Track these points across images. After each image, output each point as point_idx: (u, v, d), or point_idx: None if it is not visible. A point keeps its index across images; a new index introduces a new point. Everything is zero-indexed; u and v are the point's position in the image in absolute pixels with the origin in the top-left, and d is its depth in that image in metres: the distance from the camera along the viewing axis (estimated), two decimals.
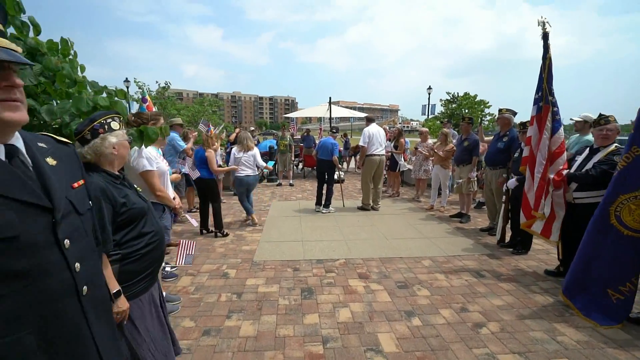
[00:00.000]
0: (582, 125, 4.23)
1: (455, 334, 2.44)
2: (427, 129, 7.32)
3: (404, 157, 7.60)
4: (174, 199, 2.68)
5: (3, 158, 0.74)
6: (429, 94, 22.28)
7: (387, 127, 10.57)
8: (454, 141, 6.18)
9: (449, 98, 21.96)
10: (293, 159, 9.84)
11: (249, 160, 4.95)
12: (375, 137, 5.97)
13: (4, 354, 0.67)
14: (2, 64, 0.72)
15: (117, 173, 1.54)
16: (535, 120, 3.32)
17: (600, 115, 3.10)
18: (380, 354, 2.22)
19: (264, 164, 5.31)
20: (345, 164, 11.62)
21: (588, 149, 3.27)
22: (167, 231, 2.70)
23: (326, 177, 6.07)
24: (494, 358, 2.18)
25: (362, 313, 2.72)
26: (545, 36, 3.07)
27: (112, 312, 1.10)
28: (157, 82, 13.76)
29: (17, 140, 0.79)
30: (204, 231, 4.82)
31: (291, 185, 8.88)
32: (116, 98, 2.02)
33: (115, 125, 1.48)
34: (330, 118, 11.58)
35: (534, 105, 3.30)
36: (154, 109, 3.05)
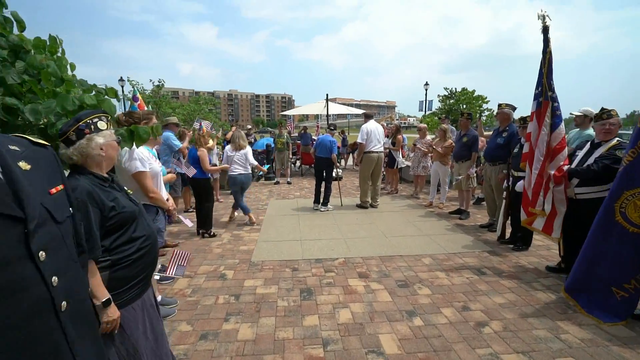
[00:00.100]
0: (582, 120, 4.18)
1: (458, 333, 2.40)
2: (425, 125, 7.26)
3: (402, 154, 7.54)
4: (167, 200, 2.61)
5: None
6: (426, 90, 22.25)
7: (385, 124, 10.51)
8: (453, 137, 6.13)
9: (446, 94, 21.93)
10: (291, 156, 9.77)
11: (241, 159, 4.98)
12: (374, 133, 5.91)
13: None
14: None
15: (105, 175, 1.47)
16: (535, 116, 3.27)
17: (603, 109, 3.05)
18: (382, 356, 2.17)
19: (256, 163, 5.25)
20: (343, 161, 11.56)
21: (589, 143, 3.23)
22: (161, 233, 2.63)
23: (324, 175, 6.00)
24: (497, 358, 2.14)
25: (362, 314, 2.67)
26: (545, 30, 3.01)
27: (97, 327, 1.02)
28: (150, 80, 13.61)
29: None
30: (201, 231, 4.75)
31: (289, 183, 8.81)
32: (106, 97, 1.95)
33: (102, 125, 1.41)
34: (328, 115, 11.50)
35: (534, 100, 3.25)
36: (145, 108, 2.96)
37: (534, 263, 3.63)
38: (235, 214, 5.40)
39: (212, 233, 4.61)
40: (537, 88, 3.17)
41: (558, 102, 3.15)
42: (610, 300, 2.43)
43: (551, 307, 2.74)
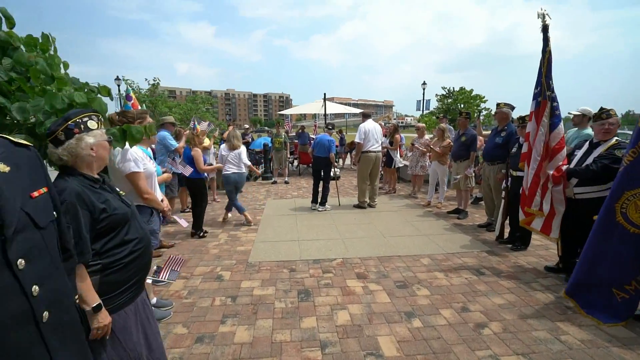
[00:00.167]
0: (581, 119, 4.17)
1: (457, 335, 2.37)
2: (424, 125, 7.24)
3: (399, 153, 7.52)
4: (162, 201, 2.57)
5: None
6: (424, 89, 22.25)
7: (383, 123, 10.49)
8: (451, 137, 6.12)
9: (444, 93, 21.94)
10: (288, 156, 9.72)
11: (235, 159, 4.99)
12: (372, 133, 5.87)
13: None
14: None
15: (96, 176, 1.42)
16: (533, 116, 3.24)
17: (602, 109, 3.03)
18: (381, 359, 2.14)
19: (249, 163, 5.22)
20: (340, 161, 11.53)
21: (587, 143, 3.21)
22: (155, 235, 2.58)
23: (322, 174, 5.97)
24: None
25: (361, 315, 2.64)
26: (545, 28, 2.98)
27: (83, 335, 0.97)
28: (146, 79, 13.44)
29: None
30: (206, 231, 4.71)
31: (286, 183, 8.76)
32: (99, 95, 1.91)
33: (92, 124, 1.36)
34: (325, 114, 11.47)
35: (533, 100, 3.23)
36: (139, 107, 2.91)
37: (533, 263, 3.62)
38: (229, 215, 5.37)
39: (201, 234, 4.56)
40: (536, 87, 3.15)
41: (557, 102, 3.13)
42: (610, 301, 2.41)
43: (550, 307, 2.72)
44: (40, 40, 1.89)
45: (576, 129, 4.24)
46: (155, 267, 2.30)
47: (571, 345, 2.25)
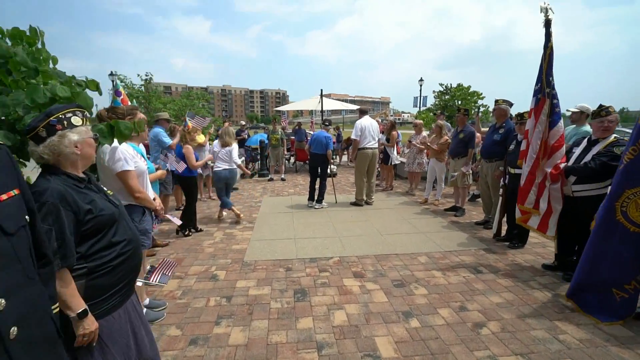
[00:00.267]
0: (579, 116, 4.14)
1: (455, 335, 2.34)
2: (421, 121, 7.19)
3: (396, 150, 7.48)
4: (154, 199, 2.50)
5: None
6: (421, 85, 22.16)
7: (380, 120, 10.43)
8: (449, 133, 6.08)
9: (442, 89, 21.85)
10: (285, 153, 9.65)
11: (226, 155, 4.97)
12: (368, 129, 5.82)
13: None
14: None
15: (81, 175, 1.35)
16: (533, 113, 3.21)
17: (600, 106, 3.00)
18: None
19: (239, 162, 5.17)
20: (337, 158, 11.47)
21: (586, 140, 3.19)
22: (148, 234, 2.51)
23: (319, 171, 5.91)
24: None
25: (358, 315, 2.60)
26: (547, 23, 2.93)
27: (60, 349, 0.90)
28: (138, 75, 13.19)
29: None
30: (192, 230, 4.64)
31: (283, 180, 8.70)
32: (87, 90, 1.83)
33: (76, 120, 1.29)
34: (322, 111, 11.39)
35: (533, 97, 3.19)
36: (129, 103, 2.83)
37: (530, 261, 3.60)
38: (224, 213, 5.30)
39: (187, 233, 4.50)
40: (536, 84, 3.11)
41: (558, 99, 3.09)
42: (609, 300, 2.39)
43: (548, 306, 2.70)
44: (28, 34, 1.82)
45: (574, 126, 4.22)
46: (149, 267, 2.24)
47: (570, 344, 2.23)
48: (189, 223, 4.58)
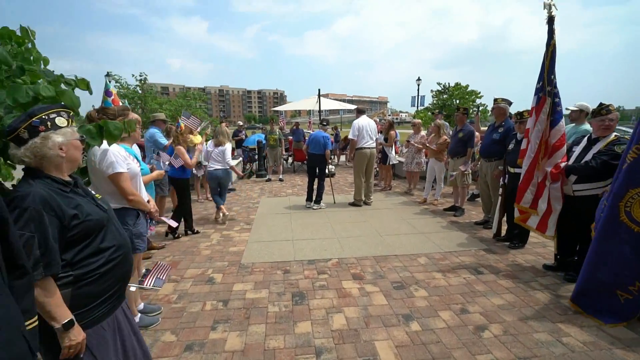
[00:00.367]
0: (578, 115, 4.12)
1: (457, 339, 2.29)
2: (420, 121, 7.14)
3: (394, 150, 7.43)
4: (148, 202, 2.43)
5: None
6: (419, 85, 22.16)
7: (378, 119, 10.38)
8: (447, 132, 6.04)
9: (440, 89, 21.87)
10: (283, 153, 9.58)
11: (219, 155, 4.96)
12: (365, 129, 5.77)
13: None
14: None
15: (66, 179, 1.29)
16: (534, 112, 3.16)
17: (601, 104, 2.96)
18: None
19: (232, 163, 5.14)
20: (335, 158, 11.42)
21: (586, 139, 3.15)
22: (143, 238, 2.45)
23: (317, 171, 5.86)
24: None
25: (357, 319, 2.55)
26: (550, 20, 2.88)
27: None
28: (133, 75, 13.03)
29: None
30: (189, 232, 4.58)
31: (281, 180, 8.64)
32: (77, 89, 1.77)
33: (61, 121, 1.23)
34: (320, 111, 11.33)
35: (534, 95, 3.14)
36: (121, 103, 2.76)
37: (531, 261, 3.56)
38: (221, 214, 5.21)
39: (177, 235, 4.44)
40: (538, 82, 3.06)
41: (559, 98, 3.04)
42: (613, 302, 2.35)
43: (550, 307, 2.66)
44: (18, 34, 1.75)
45: (573, 124, 4.19)
46: (144, 270, 2.18)
47: (573, 347, 2.19)
48: (186, 224, 4.53)
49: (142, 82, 13.30)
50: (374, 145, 5.98)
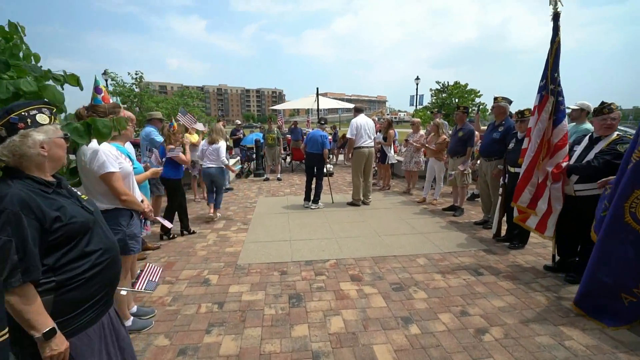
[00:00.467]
0: (579, 114, 4.07)
1: (457, 342, 2.24)
2: (419, 120, 7.09)
3: (393, 149, 7.38)
4: (142, 202, 2.37)
5: None
6: (417, 84, 22.12)
7: (376, 119, 10.32)
8: (446, 132, 5.98)
9: (439, 87, 21.82)
10: (282, 152, 9.51)
11: (213, 153, 4.94)
12: (364, 128, 5.70)
13: None
14: None
15: (49, 179, 1.23)
16: (537, 110, 3.11)
17: (603, 103, 2.92)
18: None
19: (227, 162, 5.09)
20: (333, 157, 11.35)
21: (587, 138, 3.10)
22: (137, 239, 2.38)
23: (315, 171, 5.80)
24: None
25: (355, 322, 2.49)
26: (556, 16, 2.82)
27: None
28: (128, 73, 12.89)
29: None
30: (185, 232, 4.52)
31: (279, 179, 8.57)
32: (67, 84, 1.70)
33: (42, 118, 1.17)
34: (318, 109, 11.27)
35: (537, 93, 3.09)
36: (111, 101, 2.69)
37: (531, 262, 3.52)
38: (218, 214, 5.18)
39: (171, 235, 4.37)
40: (541, 80, 3.01)
41: (563, 97, 2.99)
42: (617, 305, 2.30)
43: (552, 310, 2.61)
44: (6, 29, 1.69)
45: (574, 124, 4.14)
46: (139, 271, 2.12)
47: (576, 351, 2.14)
48: (182, 225, 4.46)
49: (139, 80, 13.16)
50: (373, 144, 5.92)
